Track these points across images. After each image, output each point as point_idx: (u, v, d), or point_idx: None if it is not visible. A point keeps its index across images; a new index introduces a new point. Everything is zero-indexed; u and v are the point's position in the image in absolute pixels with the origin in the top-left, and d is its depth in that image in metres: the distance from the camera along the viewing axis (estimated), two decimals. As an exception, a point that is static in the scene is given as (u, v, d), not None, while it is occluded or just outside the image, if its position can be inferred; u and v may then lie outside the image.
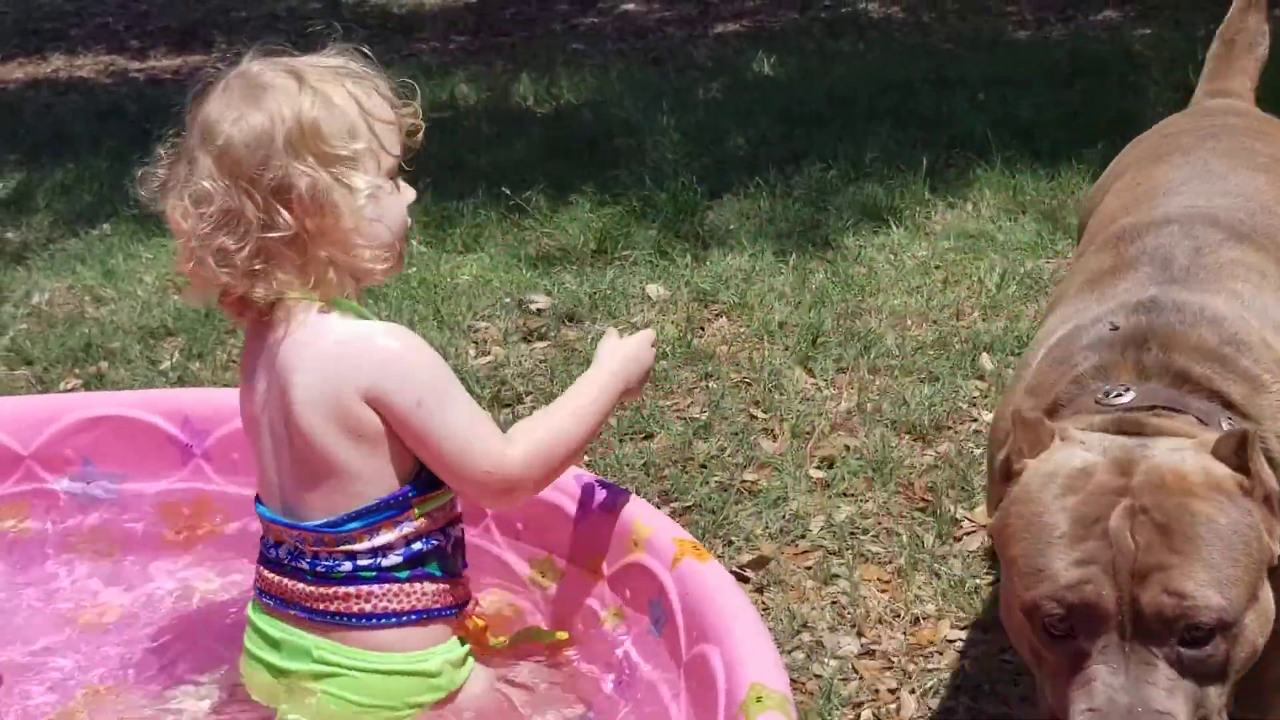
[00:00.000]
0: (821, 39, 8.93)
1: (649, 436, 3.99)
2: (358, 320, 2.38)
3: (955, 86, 7.23)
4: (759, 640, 2.29)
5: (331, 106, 2.30)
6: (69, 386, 4.45)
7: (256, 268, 2.28)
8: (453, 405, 2.36)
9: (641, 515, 2.71)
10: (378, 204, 2.34)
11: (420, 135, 2.50)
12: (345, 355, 2.33)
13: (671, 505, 3.63)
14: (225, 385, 3.97)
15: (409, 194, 2.45)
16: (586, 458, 3.83)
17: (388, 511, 2.38)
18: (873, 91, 7.25)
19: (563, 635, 2.71)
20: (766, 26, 9.48)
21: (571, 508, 2.81)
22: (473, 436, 2.36)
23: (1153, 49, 7.75)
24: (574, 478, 2.84)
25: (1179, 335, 2.19)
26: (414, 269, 5.27)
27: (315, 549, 2.39)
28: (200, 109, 2.35)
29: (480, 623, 2.58)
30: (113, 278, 5.39)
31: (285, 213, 2.26)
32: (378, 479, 2.36)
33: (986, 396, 4.09)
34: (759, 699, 2.11)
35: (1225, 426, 2.06)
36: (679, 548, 2.57)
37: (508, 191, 6.01)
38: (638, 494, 3.63)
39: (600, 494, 2.79)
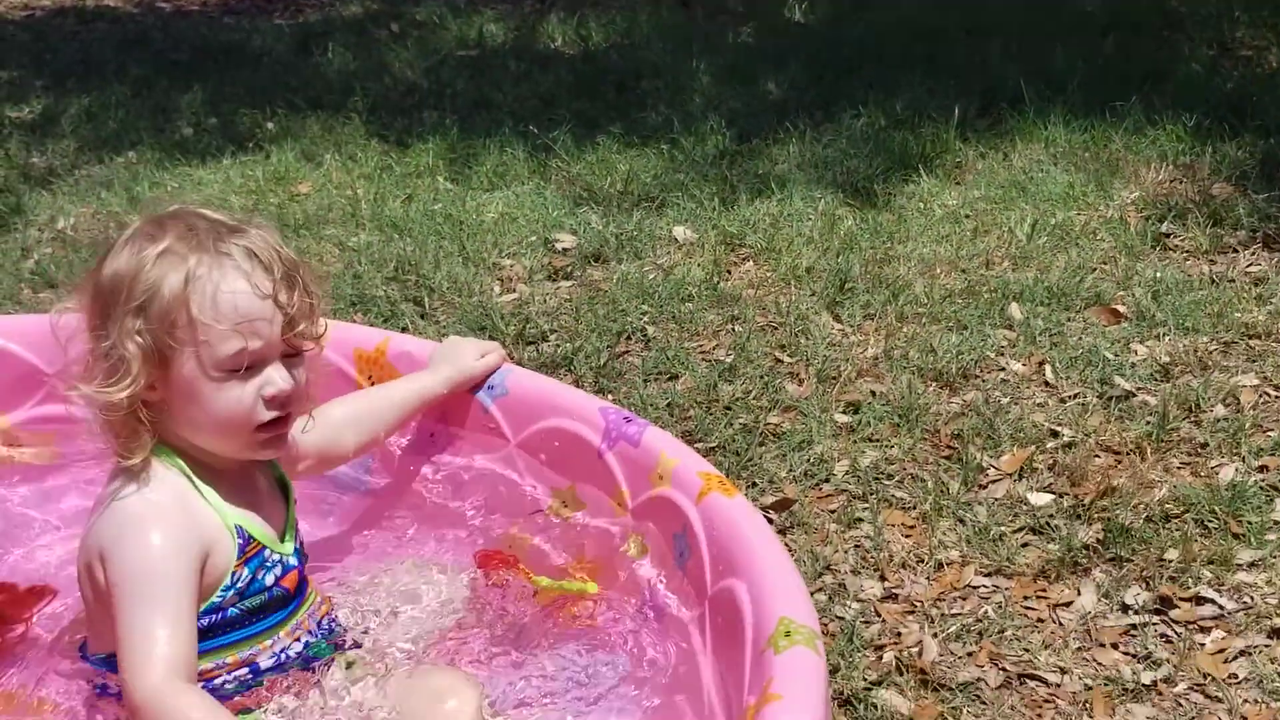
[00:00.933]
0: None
1: (674, 378, 3.97)
2: (144, 485, 2.35)
3: (989, 36, 7.14)
4: (787, 575, 2.28)
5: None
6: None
7: None
8: (143, 605, 2.24)
9: (667, 448, 2.69)
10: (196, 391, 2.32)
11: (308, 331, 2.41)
12: (104, 511, 2.34)
13: (695, 446, 3.59)
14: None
15: (249, 387, 2.33)
16: (610, 396, 3.81)
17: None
18: (906, 39, 7.17)
19: (592, 587, 2.69)
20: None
21: (595, 439, 2.80)
22: (137, 646, 2.20)
23: (1189, 5, 7.65)
24: (598, 409, 2.82)
25: None
26: (439, 205, 5.24)
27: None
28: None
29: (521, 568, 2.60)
30: (136, 204, 5.36)
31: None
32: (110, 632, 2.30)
33: (1015, 346, 4.05)
34: (788, 633, 2.10)
35: None
36: (705, 482, 2.55)
37: (534, 130, 5.97)
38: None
39: (625, 426, 2.76)
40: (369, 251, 4.80)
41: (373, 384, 3.07)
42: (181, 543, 2.29)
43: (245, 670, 2.41)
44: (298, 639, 2.47)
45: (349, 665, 2.49)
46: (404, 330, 4.15)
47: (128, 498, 2.33)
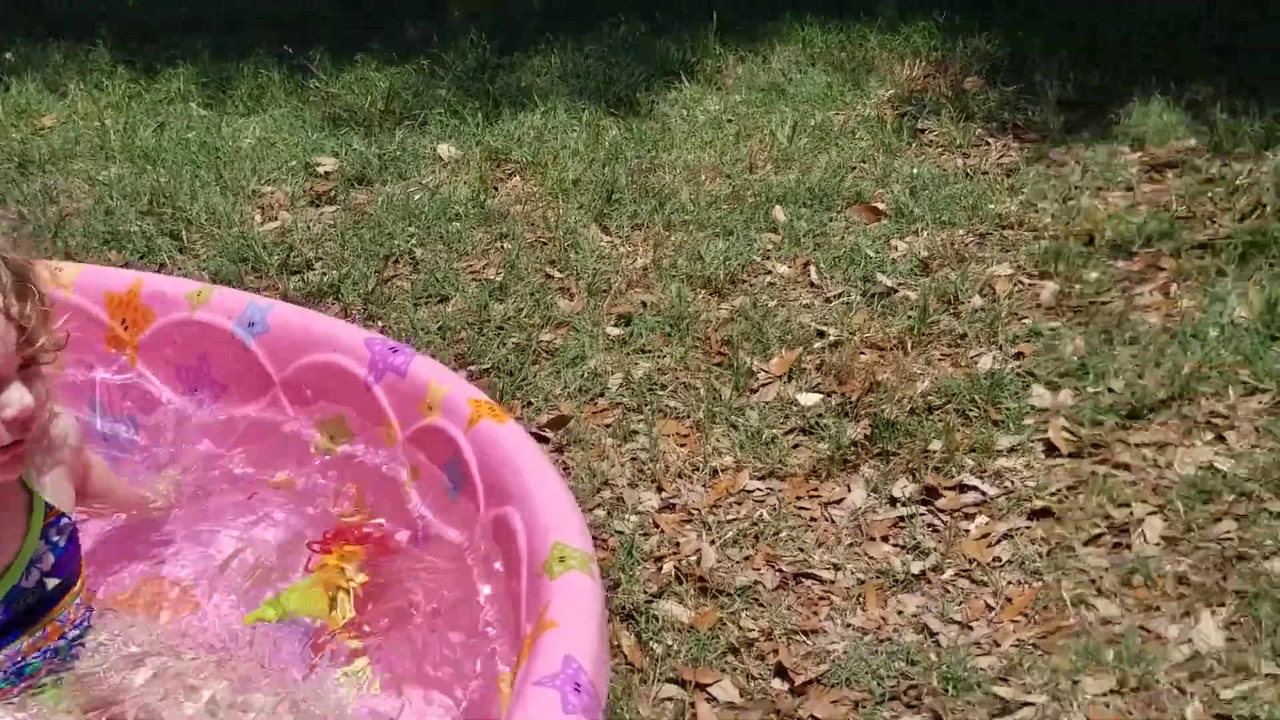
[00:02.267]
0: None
1: (444, 300, 3.93)
2: None
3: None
4: (560, 500, 2.28)
5: None
6: None
7: None
8: None
9: (436, 376, 2.66)
10: None
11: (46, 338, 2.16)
12: None
13: (469, 369, 3.59)
14: None
15: None
16: (380, 323, 3.76)
17: None
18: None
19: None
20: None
21: (361, 371, 2.75)
22: None
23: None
24: (363, 340, 2.77)
25: None
26: (193, 133, 5.07)
27: None
28: None
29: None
30: None
31: None
32: None
33: (780, 249, 4.11)
34: (561, 558, 2.10)
35: None
36: (475, 409, 2.53)
37: (290, 50, 5.81)
38: (433, 357, 3.60)
39: (391, 356, 2.73)
40: (120, 185, 4.62)
41: (125, 328, 2.97)
42: None
43: None
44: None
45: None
46: (161, 267, 4.03)
47: None
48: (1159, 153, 4.50)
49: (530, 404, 3.44)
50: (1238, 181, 4.21)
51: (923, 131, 4.84)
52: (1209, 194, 4.20)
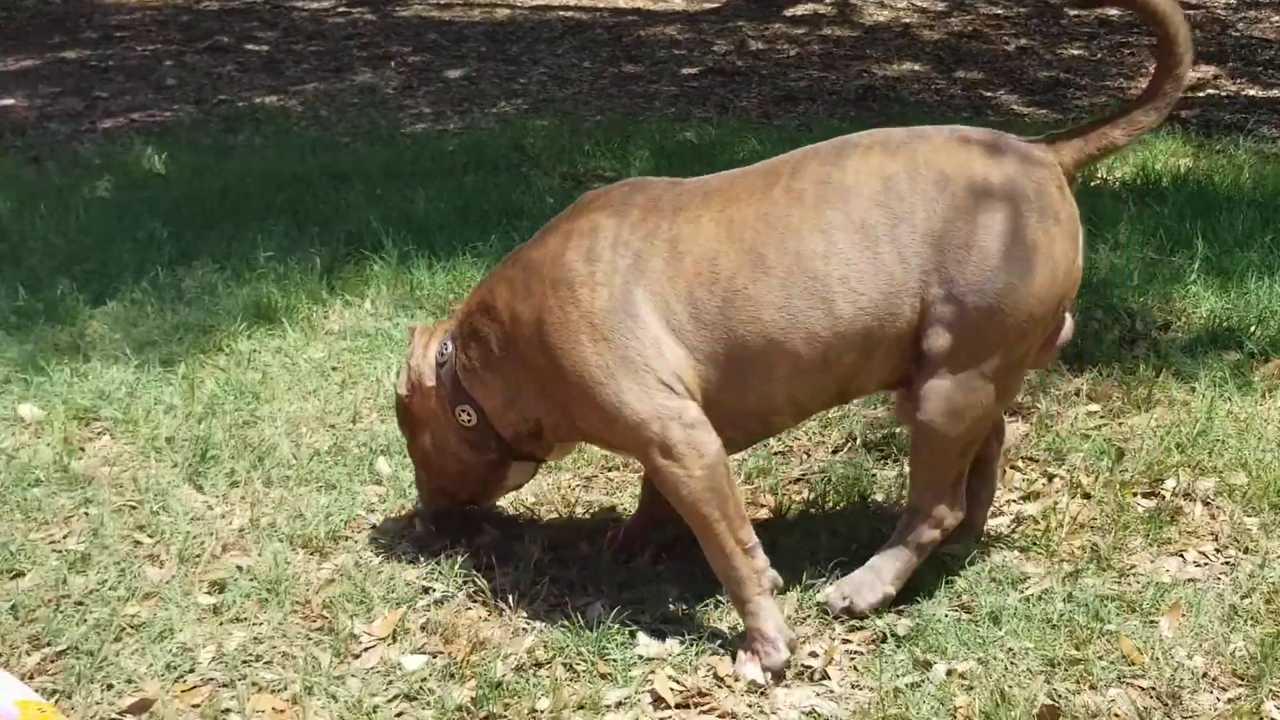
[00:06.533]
0: (218, 134, 8.67)
1: (18, 575, 3.64)
2: None
3: (353, 180, 7.16)
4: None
5: None
6: None
7: None
8: None
9: (-18, 680, 2.42)
10: None
11: None
12: None
13: (43, 651, 3.31)
14: None
15: None
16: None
17: None
18: (269, 187, 7.05)
19: None
20: (160, 121, 9.11)
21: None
22: None
23: (543, 139, 7.99)
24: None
25: None
26: None
27: None
28: None
29: None
30: None
31: None
32: None
33: (385, 501, 4.00)
34: None
35: None
36: (23, 711, 2.31)
37: None
38: (3, 640, 3.32)
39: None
40: None
41: None
42: None
43: None
44: None
45: None
46: None
47: None
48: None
49: (111, 687, 3.19)
50: (830, 415, 4.36)
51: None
52: (803, 429, 4.32)
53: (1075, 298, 3.34)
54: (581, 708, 3.08)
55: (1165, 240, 5.70)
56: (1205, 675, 3.15)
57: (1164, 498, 3.89)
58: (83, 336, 5.16)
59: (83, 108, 9.53)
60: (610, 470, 4.14)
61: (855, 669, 3.19)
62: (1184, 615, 3.35)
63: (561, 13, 12.52)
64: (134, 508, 3.98)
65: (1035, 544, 3.67)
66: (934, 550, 3.40)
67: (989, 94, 9.64)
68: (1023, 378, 3.43)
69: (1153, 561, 3.62)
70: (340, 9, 12.86)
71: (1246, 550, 3.64)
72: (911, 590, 3.43)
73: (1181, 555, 3.65)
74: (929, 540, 3.36)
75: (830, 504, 3.90)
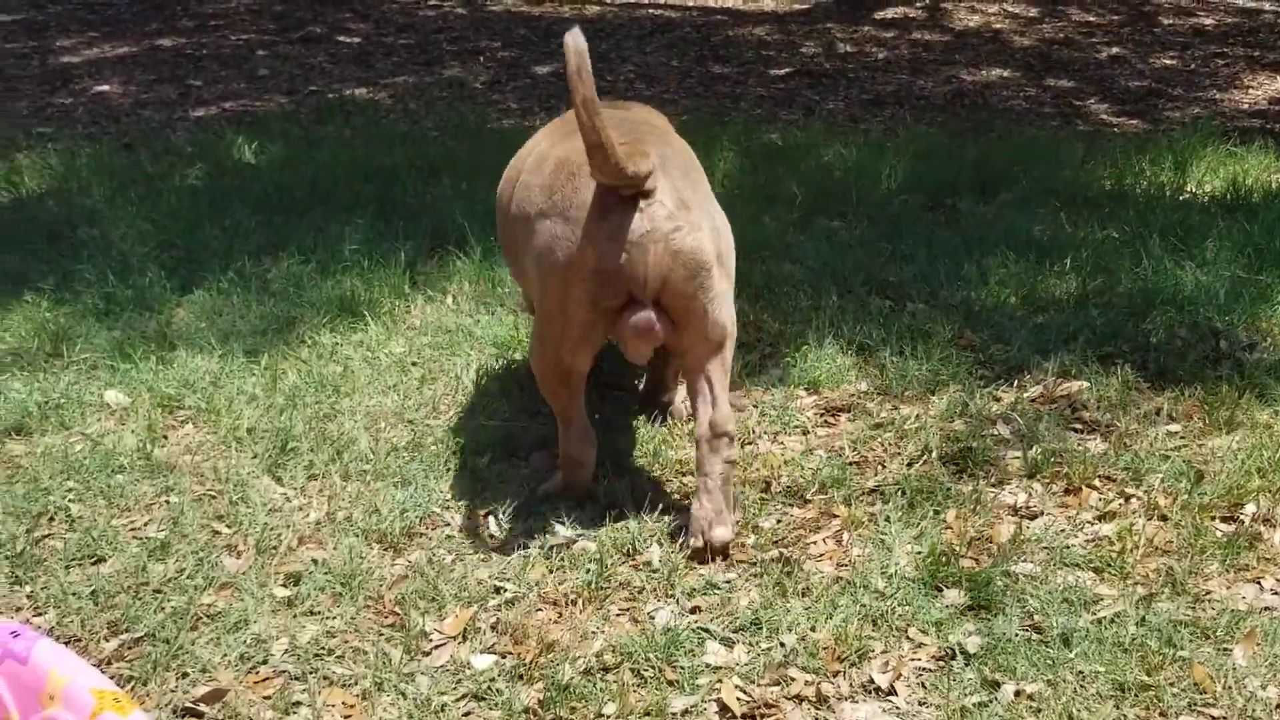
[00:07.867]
0: (308, 124, 8.76)
1: (99, 560, 3.71)
2: None
3: (440, 174, 7.20)
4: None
5: None
6: None
7: None
8: None
9: (59, 664, 2.46)
10: None
11: None
12: None
13: (120, 637, 3.37)
14: None
15: None
16: (26, 588, 3.52)
17: None
18: (357, 179, 7.11)
19: None
20: (251, 110, 9.22)
21: (-19, 660, 2.54)
22: None
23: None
24: (-15, 625, 2.56)
25: None
26: None
27: None
28: None
29: None
30: None
31: None
32: None
33: (460, 498, 4.03)
34: None
35: None
36: (99, 701, 2.35)
37: (-49, 288, 5.54)
38: (83, 625, 3.38)
39: (11, 642, 2.52)
40: None
41: None
42: None
43: None
44: None
45: None
46: None
47: None
48: (833, 396, 4.61)
49: (186, 675, 3.25)
50: (905, 426, 4.34)
51: (606, 375, 4.86)
52: (878, 438, 4.31)
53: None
54: (647, 714, 3.09)
55: (1254, 258, 5.62)
56: (1279, 707, 3.10)
57: (1243, 523, 3.83)
58: (169, 325, 5.24)
59: (176, 96, 9.67)
60: (684, 475, 4.14)
61: (923, 686, 3.18)
62: (1259, 644, 3.30)
63: (651, 11, 12.53)
64: (214, 497, 4.04)
65: (1110, 565, 3.63)
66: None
67: (1079, 102, 9.53)
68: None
69: (1229, 588, 3.57)
70: (432, 3, 12.95)
71: (1327, 579, 3.59)
72: (983, 607, 3.41)
73: (1258, 582, 3.59)
74: None
75: (902, 516, 3.88)
